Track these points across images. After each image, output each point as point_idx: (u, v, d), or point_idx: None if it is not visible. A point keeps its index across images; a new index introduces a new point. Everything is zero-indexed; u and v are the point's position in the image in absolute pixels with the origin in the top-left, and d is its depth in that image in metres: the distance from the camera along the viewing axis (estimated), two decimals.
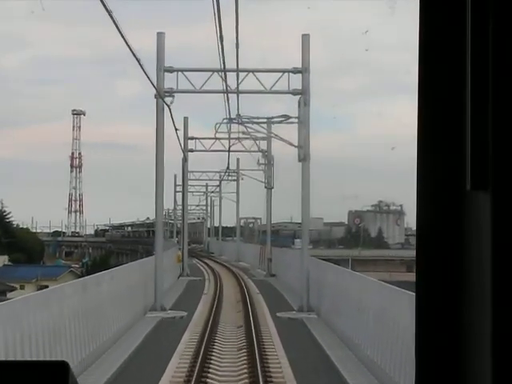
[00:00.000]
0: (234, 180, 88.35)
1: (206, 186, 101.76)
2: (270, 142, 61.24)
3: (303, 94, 37.45)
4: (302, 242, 38.51)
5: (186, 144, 61.14)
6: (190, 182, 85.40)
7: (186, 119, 61.84)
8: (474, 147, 1.87)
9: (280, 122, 40.08)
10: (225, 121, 43.32)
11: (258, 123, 41.48)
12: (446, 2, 1.93)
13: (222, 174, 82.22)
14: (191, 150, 62.38)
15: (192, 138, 62.27)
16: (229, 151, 62.50)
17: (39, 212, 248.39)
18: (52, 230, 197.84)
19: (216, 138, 61.68)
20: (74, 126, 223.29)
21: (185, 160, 61.08)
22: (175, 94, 37.67)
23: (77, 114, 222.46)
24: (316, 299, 37.30)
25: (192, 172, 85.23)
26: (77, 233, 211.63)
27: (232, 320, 35.36)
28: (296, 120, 38.33)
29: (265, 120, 40.63)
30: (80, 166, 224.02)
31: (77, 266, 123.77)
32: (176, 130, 42.65)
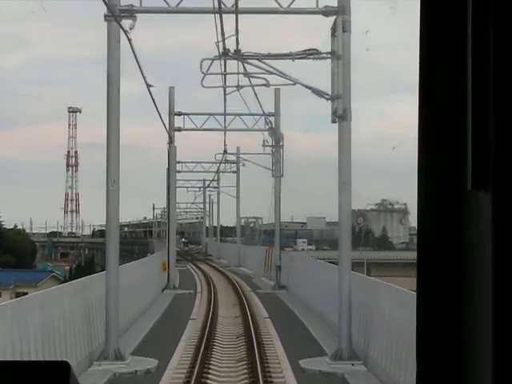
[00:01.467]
0: (233, 172, 72.88)
1: (204, 181, 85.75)
2: (278, 117, 45.87)
3: (340, 14, 22.08)
4: (341, 245, 23.20)
5: (171, 121, 45.72)
6: (183, 176, 70.87)
7: (171, 89, 46.50)
8: (474, 147, 1.84)
9: (303, 58, 24.81)
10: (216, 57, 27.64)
11: (267, 58, 26.05)
12: (447, 2, 1.89)
13: (219, 163, 66.29)
14: (179, 129, 46.91)
15: (179, 114, 46.79)
16: (225, 130, 47.12)
17: (37, 213, 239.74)
18: (49, 231, 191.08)
19: (210, 114, 46.37)
20: (69, 124, 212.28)
21: (170, 141, 45.58)
22: (138, 16, 22.19)
23: (73, 111, 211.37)
24: (361, 338, 22.09)
25: (184, 163, 69.93)
26: (73, 233, 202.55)
27: (229, 379, 20.22)
28: (329, 56, 22.79)
29: (279, 56, 25.48)
30: (76, 165, 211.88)
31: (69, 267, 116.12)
32: (148, 86, 27.35)
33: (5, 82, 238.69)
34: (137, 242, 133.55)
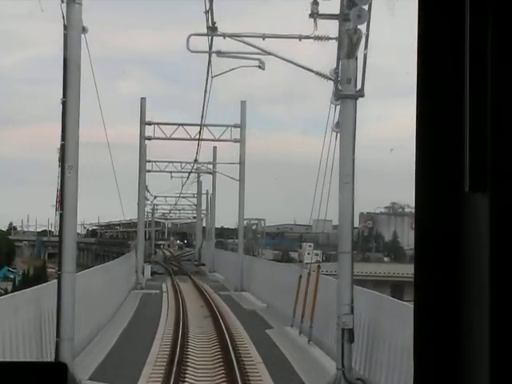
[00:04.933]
0: (235, 141, 41.44)
1: (195, 160, 53.14)
2: None
3: None
4: None
5: None
6: (159, 152, 41.88)
7: None
8: (472, 150, 1.77)
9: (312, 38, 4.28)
10: None
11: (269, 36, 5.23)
12: (445, 4, 1.79)
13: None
14: None
15: None
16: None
17: (34, 210, 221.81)
18: (40, 229, 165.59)
19: None
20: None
21: None
22: None
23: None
24: None
25: (159, 125, 39.03)
26: None
27: None
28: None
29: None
30: None
31: (53, 270, 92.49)
32: None
33: (5, 81, 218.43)
34: (125, 243, 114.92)
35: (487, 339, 1.67)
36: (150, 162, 66.51)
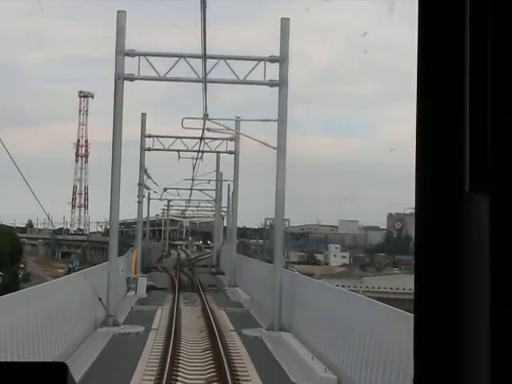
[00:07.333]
0: (272, 84, 23.12)
1: (205, 115, 34.49)
2: None
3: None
4: None
5: None
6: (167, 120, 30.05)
7: None
8: (472, 149, 1.74)
9: None
10: None
11: None
12: (445, 4, 1.77)
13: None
14: None
15: None
16: None
17: (52, 209, 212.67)
18: (57, 227, 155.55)
19: None
20: (80, 110, 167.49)
21: None
22: None
23: (84, 96, 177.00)
24: None
25: (146, 56, 20.59)
26: (81, 230, 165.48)
27: None
28: None
29: None
30: (86, 156, 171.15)
31: (62, 271, 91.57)
32: None
33: (27, 80, 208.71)
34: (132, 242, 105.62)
35: (487, 339, 1.63)
36: (150, 137, 50.10)
